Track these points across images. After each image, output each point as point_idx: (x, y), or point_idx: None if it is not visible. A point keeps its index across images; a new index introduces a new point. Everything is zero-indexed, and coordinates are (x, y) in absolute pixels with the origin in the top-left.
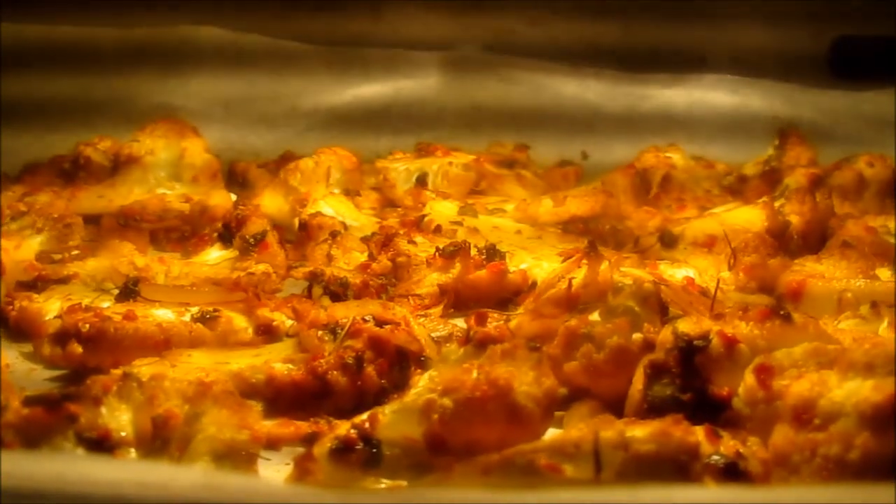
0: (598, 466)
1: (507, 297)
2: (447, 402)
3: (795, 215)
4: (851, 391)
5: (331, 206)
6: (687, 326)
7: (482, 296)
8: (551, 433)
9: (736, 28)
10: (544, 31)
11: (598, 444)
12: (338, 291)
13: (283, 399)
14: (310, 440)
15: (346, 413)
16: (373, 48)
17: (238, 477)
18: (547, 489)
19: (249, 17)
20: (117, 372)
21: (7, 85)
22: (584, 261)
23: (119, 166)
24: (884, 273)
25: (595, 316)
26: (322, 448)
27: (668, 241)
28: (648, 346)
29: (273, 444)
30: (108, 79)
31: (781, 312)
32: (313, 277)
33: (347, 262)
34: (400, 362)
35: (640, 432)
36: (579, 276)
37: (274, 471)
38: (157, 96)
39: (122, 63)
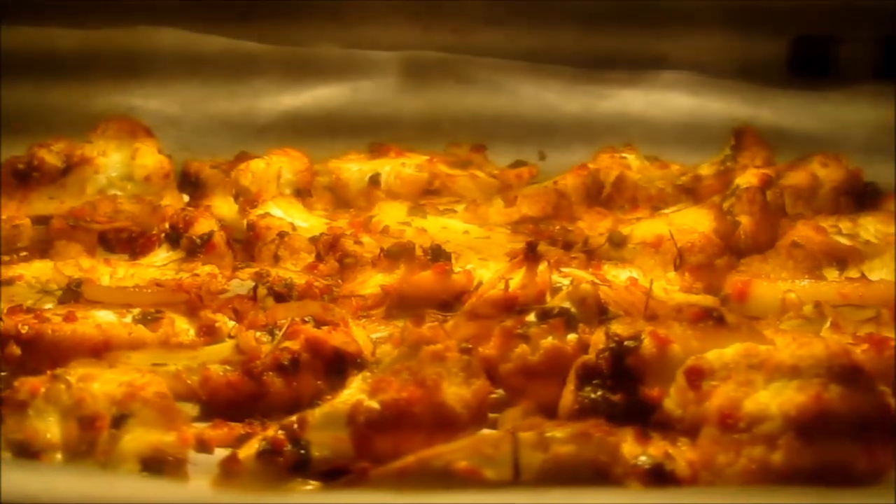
0: (516, 468)
1: (452, 297)
2: (374, 403)
3: (745, 216)
4: (776, 393)
5: (280, 208)
6: (620, 327)
7: (427, 296)
8: None
9: (694, 28)
10: (503, 31)
11: (517, 445)
12: (282, 292)
13: (218, 401)
14: (243, 442)
15: (283, 415)
16: (330, 49)
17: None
18: (453, 492)
19: (207, 18)
20: (44, 374)
21: None
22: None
23: (71, 167)
24: (831, 273)
25: (531, 317)
26: (249, 450)
27: (617, 241)
28: (583, 347)
29: (206, 446)
30: (66, 80)
31: (714, 314)
32: (258, 278)
33: (295, 263)
34: (337, 364)
35: (560, 433)
36: (518, 277)
37: (204, 473)
38: (115, 97)
39: (80, 64)
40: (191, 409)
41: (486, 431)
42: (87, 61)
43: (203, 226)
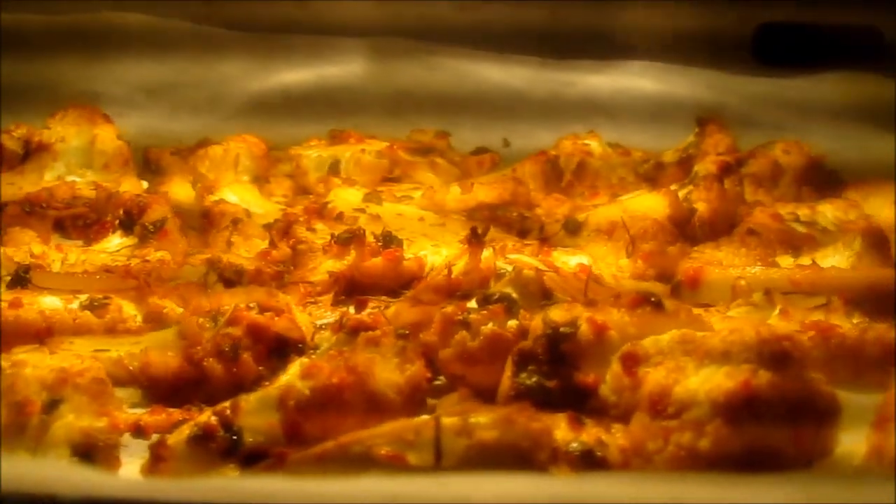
0: (438, 454)
1: (403, 284)
2: (304, 388)
3: (702, 202)
4: (706, 379)
5: (235, 194)
6: (557, 313)
7: (377, 283)
8: None
9: (661, 15)
10: (471, 16)
11: (440, 430)
12: (232, 279)
13: (159, 386)
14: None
15: (224, 401)
16: (297, 35)
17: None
18: (365, 477)
19: (173, 2)
20: None
21: None
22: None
23: (30, 153)
24: (785, 260)
25: (472, 303)
26: (180, 435)
27: (572, 228)
28: (524, 333)
29: (143, 431)
30: (31, 65)
31: (652, 300)
32: (210, 264)
33: (248, 249)
34: (279, 350)
35: (484, 419)
36: (462, 263)
37: (139, 459)
38: (81, 83)
39: (46, 49)
40: (132, 394)
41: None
42: (52, 47)
43: (156, 212)
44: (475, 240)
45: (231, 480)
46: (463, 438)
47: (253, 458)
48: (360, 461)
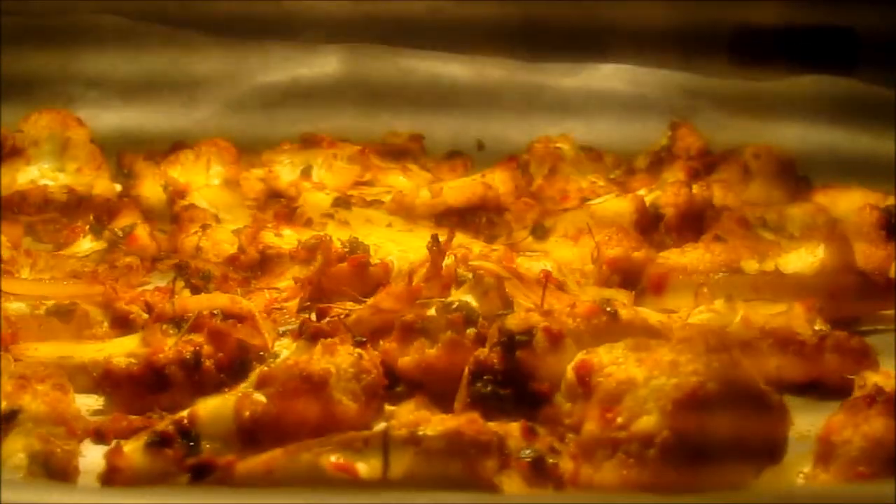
0: (386, 463)
1: (369, 290)
2: (259, 396)
3: (670, 207)
4: (654, 388)
5: (205, 198)
6: (513, 322)
7: (344, 289)
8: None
9: (635, 17)
10: (443, 17)
11: (387, 440)
12: (199, 285)
13: (121, 392)
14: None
15: (186, 407)
16: (271, 37)
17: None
18: (316, 491)
19: (149, 5)
20: None
21: None
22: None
23: (2, 156)
24: (751, 265)
25: (432, 311)
26: (137, 442)
27: (540, 233)
28: (482, 340)
29: (104, 438)
30: (5, 66)
31: (608, 308)
32: (177, 269)
33: (217, 254)
34: (241, 356)
35: (432, 431)
36: (422, 270)
37: (98, 466)
38: (54, 84)
39: (21, 50)
40: (95, 401)
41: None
42: (26, 47)
43: (126, 217)
44: (436, 247)
45: (175, 492)
46: (410, 449)
47: (193, 470)
48: (309, 470)
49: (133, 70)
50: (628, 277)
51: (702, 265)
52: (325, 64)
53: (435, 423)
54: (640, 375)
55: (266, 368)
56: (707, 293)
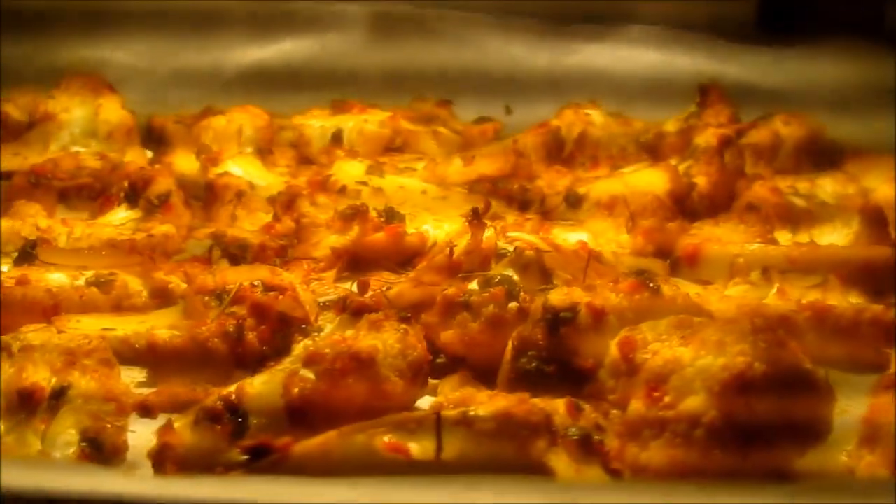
0: (439, 445)
1: (405, 259)
2: (308, 374)
3: (702, 176)
4: (701, 369)
5: (239, 166)
6: (556, 298)
7: (380, 258)
8: (425, 402)
9: None
10: None
11: (440, 422)
12: (237, 253)
13: (165, 366)
14: (186, 408)
15: (229, 380)
16: (297, 2)
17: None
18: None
19: None
20: None
21: None
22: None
23: (35, 123)
24: (784, 236)
25: (473, 285)
26: (186, 419)
27: (573, 201)
28: (524, 315)
29: (149, 412)
30: (33, 33)
31: (651, 285)
32: (214, 239)
33: (252, 222)
34: (283, 329)
35: (483, 411)
36: (463, 243)
37: (146, 441)
38: (82, 50)
39: (47, 17)
40: (138, 374)
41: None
42: (53, 14)
43: (161, 185)
44: (476, 220)
45: (237, 481)
46: (462, 430)
47: (250, 451)
48: (364, 451)
49: (159, 34)
50: (662, 248)
51: (736, 236)
52: (351, 27)
53: (486, 404)
54: (687, 355)
55: (310, 343)
56: (743, 264)
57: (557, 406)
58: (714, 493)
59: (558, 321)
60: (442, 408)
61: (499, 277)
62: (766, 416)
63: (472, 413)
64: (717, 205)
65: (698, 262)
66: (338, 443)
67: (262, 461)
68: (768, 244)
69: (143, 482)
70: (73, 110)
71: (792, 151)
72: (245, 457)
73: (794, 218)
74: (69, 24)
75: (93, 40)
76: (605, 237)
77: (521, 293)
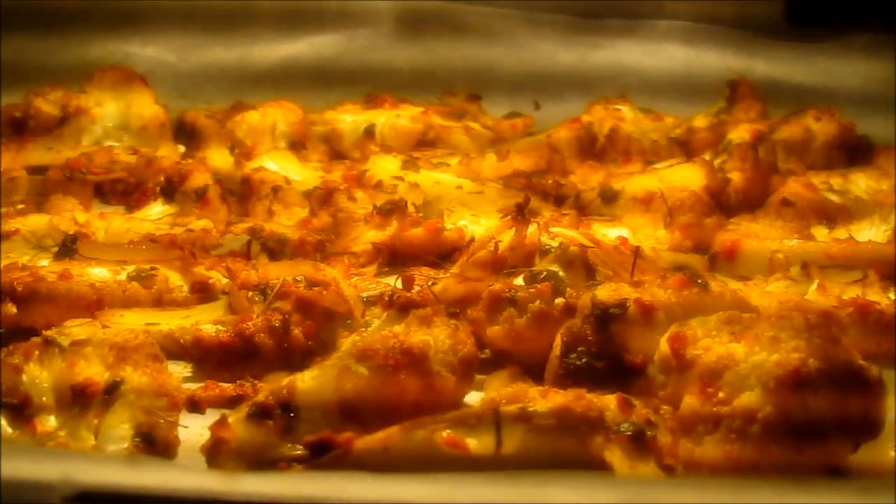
0: (498, 440)
1: (443, 254)
2: (361, 369)
3: (737, 172)
4: (756, 365)
5: (274, 161)
6: (605, 293)
7: (418, 253)
8: (472, 397)
9: None
10: None
11: (499, 418)
12: (275, 248)
13: (210, 360)
14: (234, 403)
15: (274, 375)
16: None
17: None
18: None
19: None
20: (38, 338)
21: None
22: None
23: (67, 117)
24: (820, 232)
25: (519, 280)
26: (239, 414)
27: (608, 197)
28: (570, 310)
29: (197, 407)
30: (61, 27)
31: (699, 281)
32: (252, 234)
33: (288, 217)
34: (327, 324)
35: (542, 407)
36: (506, 238)
37: (198, 436)
38: (111, 44)
39: (76, 11)
40: (182, 368)
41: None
42: (82, 8)
43: (198, 179)
44: (520, 215)
45: (307, 479)
46: (521, 426)
47: (310, 447)
48: (424, 447)
49: (187, 29)
50: (699, 243)
51: (773, 231)
52: (379, 22)
53: (542, 400)
54: (741, 351)
55: (358, 338)
56: (783, 260)
57: (608, 402)
58: (789, 492)
59: (608, 317)
60: (496, 404)
61: (545, 273)
62: (820, 411)
63: (530, 409)
64: (751, 200)
65: (736, 258)
66: (400, 438)
67: (325, 457)
68: (806, 240)
69: (226, 479)
70: (105, 105)
71: (823, 147)
72: (298, 451)
73: (830, 214)
74: (98, 20)
75: (121, 35)
76: (643, 232)
77: (567, 289)
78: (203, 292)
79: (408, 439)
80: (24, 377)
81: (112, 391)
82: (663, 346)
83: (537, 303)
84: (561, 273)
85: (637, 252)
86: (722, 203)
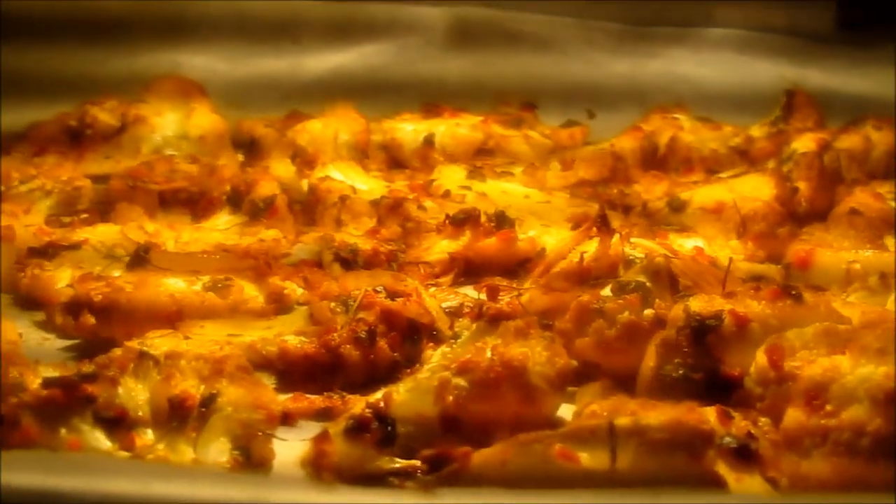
0: (613, 454)
1: (516, 264)
2: (462, 382)
3: (803, 181)
4: (864, 377)
5: (339, 170)
6: (699, 305)
7: (491, 264)
8: (563, 409)
9: None
10: None
11: (614, 432)
12: (348, 258)
13: (295, 372)
14: (323, 415)
15: (358, 386)
16: (377, 5)
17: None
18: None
19: None
20: (133, 350)
21: (11, 45)
22: (595, 234)
23: (126, 126)
24: (891, 242)
25: (606, 291)
26: (337, 427)
27: (676, 206)
28: (660, 322)
29: (287, 419)
30: (112, 37)
31: (793, 292)
32: (323, 243)
33: (356, 227)
34: (412, 335)
35: (655, 420)
36: (590, 248)
37: (290, 449)
38: (160, 54)
39: (126, 20)
40: (266, 379)
41: (578, 410)
42: (132, 16)
43: (265, 189)
44: (605, 226)
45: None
46: (634, 438)
47: (427, 460)
48: (539, 461)
49: (238, 36)
50: (772, 253)
51: (846, 241)
52: (431, 29)
53: (653, 413)
54: (846, 363)
55: (448, 350)
56: (860, 270)
57: (708, 414)
58: None
59: (704, 329)
60: (604, 417)
61: (633, 284)
62: None
63: (644, 422)
64: (818, 210)
65: (810, 268)
66: (516, 452)
67: (442, 470)
68: (880, 249)
69: (352, 494)
70: (165, 114)
71: (883, 156)
72: (397, 465)
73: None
74: (145, 29)
75: (169, 44)
76: (716, 243)
77: (656, 300)
78: (278, 303)
79: (526, 453)
80: (120, 391)
81: (209, 404)
82: (761, 358)
83: (627, 314)
84: (648, 284)
85: (729, 265)
86: (789, 213)
